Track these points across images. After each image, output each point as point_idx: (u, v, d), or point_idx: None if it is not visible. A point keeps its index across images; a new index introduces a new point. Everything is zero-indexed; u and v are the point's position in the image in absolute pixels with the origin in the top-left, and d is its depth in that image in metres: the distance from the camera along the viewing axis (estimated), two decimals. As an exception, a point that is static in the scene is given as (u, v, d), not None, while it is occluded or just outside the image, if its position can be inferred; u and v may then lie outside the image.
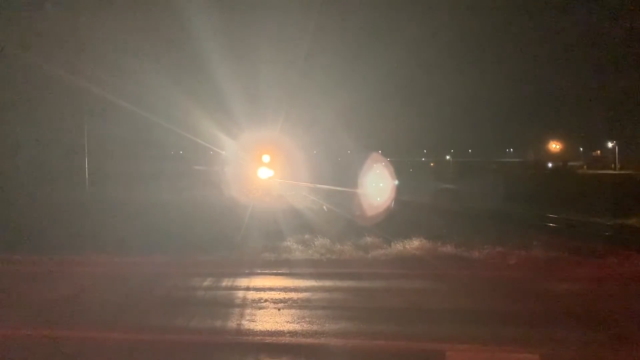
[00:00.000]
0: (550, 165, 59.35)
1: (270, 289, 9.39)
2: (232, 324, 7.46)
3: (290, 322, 7.45)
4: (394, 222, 15.92)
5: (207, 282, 10.03)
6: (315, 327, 7.20)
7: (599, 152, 64.48)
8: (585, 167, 59.90)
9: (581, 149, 65.70)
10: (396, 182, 22.26)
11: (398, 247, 12.30)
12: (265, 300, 8.55)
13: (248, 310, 8.07)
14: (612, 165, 56.01)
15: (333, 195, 24.53)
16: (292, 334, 7.01)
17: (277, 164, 20.43)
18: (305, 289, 9.38)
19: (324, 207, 20.77)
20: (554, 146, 60.89)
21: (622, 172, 49.77)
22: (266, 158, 19.84)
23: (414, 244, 12.36)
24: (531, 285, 9.47)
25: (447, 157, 67.18)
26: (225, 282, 9.96)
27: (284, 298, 8.68)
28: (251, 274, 10.71)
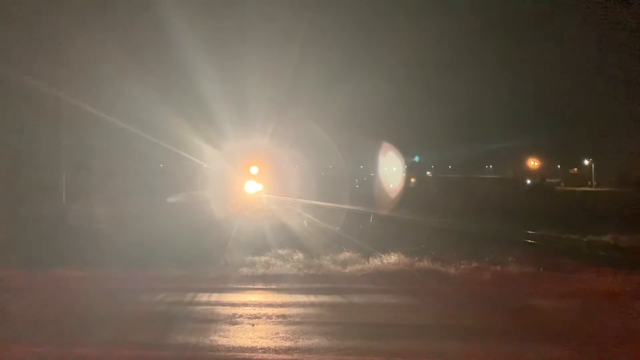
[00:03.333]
0: (529, 182, 60.28)
1: (245, 305, 9.31)
2: (204, 339, 7.37)
3: (264, 338, 7.40)
4: (374, 236, 15.99)
5: (182, 297, 9.90)
6: (288, 343, 7.15)
7: (575, 169, 65.81)
8: (562, 184, 60.99)
9: (559, 166, 67.01)
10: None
11: (376, 262, 12.32)
12: (240, 316, 8.48)
13: (222, 326, 7.99)
14: (589, 183, 57.15)
15: (316, 208, 24.59)
16: (265, 350, 6.95)
17: (264, 178, 20.36)
18: (281, 304, 9.32)
19: (305, 222, 20.78)
20: (533, 163, 61.98)
21: (598, 189, 50.83)
22: (254, 170, 19.70)
23: (392, 259, 12.39)
24: (504, 301, 9.54)
25: (428, 173, 67.86)
26: (201, 297, 9.83)
27: (259, 314, 8.62)
28: (227, 289, 10.61)
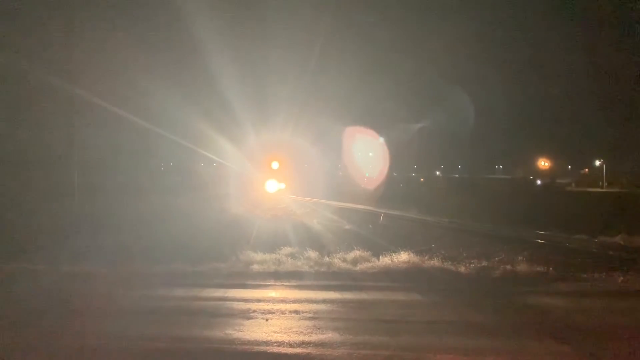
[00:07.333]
0: (539, 182, 60.00)
1: (259, 300, 9.51)
2: (219, 333, 7.59)
3: (278, 332, 7.59)
4: (385, 237, 16.13)
5: (196, 293, 10.14)
6: (302, 338, 7.34)
7: (587, 170, 65.35)
8: (573, 184, 60.64)
9: (569, 166, 66.65)
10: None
11: (386, 260, 12.45)
12: (254, 311, 8.67)
13: (236, 321, 8.19)
14: (600, 183, 56.78)
15: (331, 208, 24.78)
16: (280, 343, 7.14)
17: (285, 176, 20.53)
18: (294, 300, 9.52)
19: (315, 220, 21.00)
20: (543, 164, 61.70)
21: (609, 190, 50.49)
22: (275, 165, 19.87)
23: (402, 258, 12.50)
24: (513, 299, 9.65)
25: (437, 173, 67.81)
26: (215, 293, 10.06)
27: (272, 309, 8.81)
28: (241, 285, 10.81)
